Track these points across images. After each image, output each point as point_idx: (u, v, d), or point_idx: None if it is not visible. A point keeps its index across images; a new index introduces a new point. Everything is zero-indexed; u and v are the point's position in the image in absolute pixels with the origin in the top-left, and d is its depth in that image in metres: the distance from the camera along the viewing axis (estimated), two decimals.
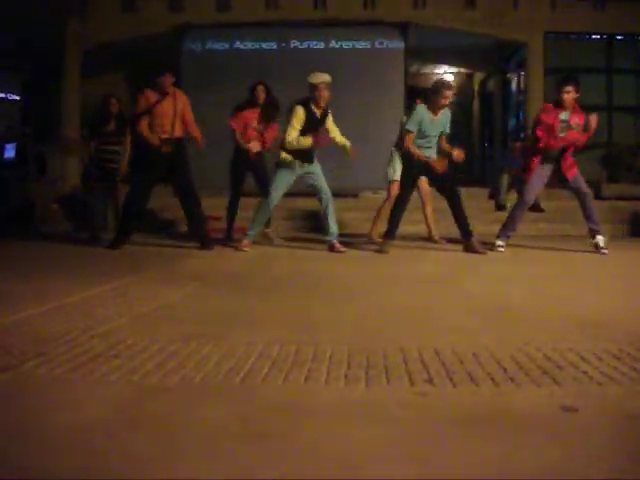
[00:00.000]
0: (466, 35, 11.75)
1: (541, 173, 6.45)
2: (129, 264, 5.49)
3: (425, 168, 6.53)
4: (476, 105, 15.30)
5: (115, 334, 2.90)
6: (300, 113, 6.18)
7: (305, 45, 11.93)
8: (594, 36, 12.34)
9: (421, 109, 6.49)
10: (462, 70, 14.97)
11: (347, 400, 2.07)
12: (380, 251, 6.28)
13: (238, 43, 12.17)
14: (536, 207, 10.44)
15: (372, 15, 11.81)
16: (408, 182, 6.62)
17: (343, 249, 6.26)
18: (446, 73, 14.99)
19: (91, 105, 10.76)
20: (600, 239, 6.28)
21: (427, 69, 14.71)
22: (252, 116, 7.12)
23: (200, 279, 4.68)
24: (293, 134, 6.16)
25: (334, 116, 6.61)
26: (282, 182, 6.39)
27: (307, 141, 6.18)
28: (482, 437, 1.75)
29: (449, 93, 6.47)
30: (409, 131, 6.46)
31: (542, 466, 1.58)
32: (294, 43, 12.01)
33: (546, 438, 1.74)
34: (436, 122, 6.49)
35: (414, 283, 4.63)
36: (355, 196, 10.80)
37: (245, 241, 6.35)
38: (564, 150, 6.37)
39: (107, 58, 12.33)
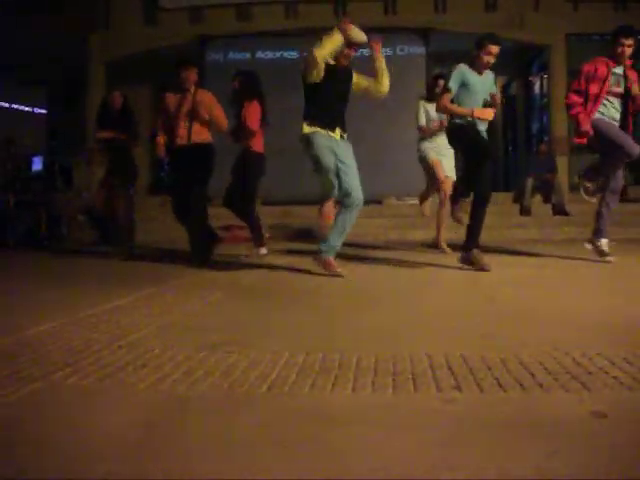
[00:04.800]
0: None
1: None
2: (153, 275, 5.53)
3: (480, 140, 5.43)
4: (498, 109, 15.20)
5: (142, 343, 2.92)
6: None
7: None
8: None
9: (462, 67, 5.49)
10: None
11: (374, 408, 2.06)
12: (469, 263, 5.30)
13: (260, 53, 12.27)
14: (562, 211, 10.37)
15: (393, 21, 11.83)
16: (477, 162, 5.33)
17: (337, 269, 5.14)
18: None
19: None
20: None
21: None
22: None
23: (223, 289, 4.70)
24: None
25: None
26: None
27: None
28: (511, 443, 1.74)
29: (495, 49, 5.39)
30: (448, 89, 5.43)
31: (572, 472, 1.56)
32: None
33: (576, 444, 1.72)
34: (483, 84, 5.51)
35: (437, 289, 4.61)
36: (379, 203, 10.80)
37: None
38: None
39: (131, 70, 12.50)
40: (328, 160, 5.09)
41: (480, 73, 5.49)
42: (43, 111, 15.09)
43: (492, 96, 5.44)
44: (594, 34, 12.05)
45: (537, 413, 1.97)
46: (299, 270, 5.54)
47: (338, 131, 5.22)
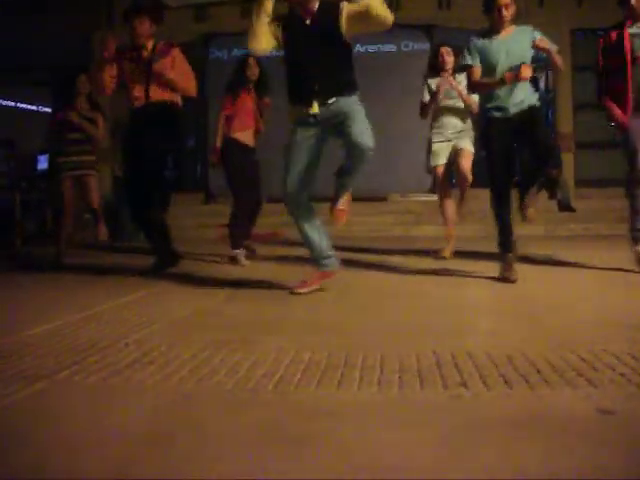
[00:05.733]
0: None
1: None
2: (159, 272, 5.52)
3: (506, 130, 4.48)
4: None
5: (149, 341, 2.93)
6: None
7: None
8: None
9: (472, 38, 4.60)
10: None
11: (380, 405, 2.06)
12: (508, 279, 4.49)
13: None
14: (568, 207, 10.32)
15: (397, 18, 11.75)
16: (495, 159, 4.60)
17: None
18: None
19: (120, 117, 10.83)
20: None
21: None
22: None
23: (228, 287, 4.70)
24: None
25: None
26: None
27: None
28: (518, 440, 1.74)
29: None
30: (469, 66, 4.56)
31: (579, 469, 1.56)
32: None
33: (582, 441, 1.72)
34: (508, 43, 4.46)
35: (442, 286, 4.60)
36: (383, 199, 10.78)
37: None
38: None
39: None
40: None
41: (499, 32, 4.48)
42: (48, 110, 15.11)
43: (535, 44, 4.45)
44: (599, 29, 11.99)
45: (543, 410, 1.97)
46: (302, 268, 5.53)
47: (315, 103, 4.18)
